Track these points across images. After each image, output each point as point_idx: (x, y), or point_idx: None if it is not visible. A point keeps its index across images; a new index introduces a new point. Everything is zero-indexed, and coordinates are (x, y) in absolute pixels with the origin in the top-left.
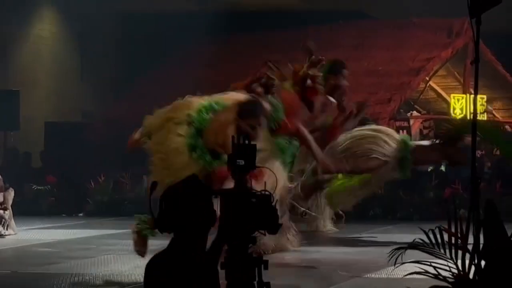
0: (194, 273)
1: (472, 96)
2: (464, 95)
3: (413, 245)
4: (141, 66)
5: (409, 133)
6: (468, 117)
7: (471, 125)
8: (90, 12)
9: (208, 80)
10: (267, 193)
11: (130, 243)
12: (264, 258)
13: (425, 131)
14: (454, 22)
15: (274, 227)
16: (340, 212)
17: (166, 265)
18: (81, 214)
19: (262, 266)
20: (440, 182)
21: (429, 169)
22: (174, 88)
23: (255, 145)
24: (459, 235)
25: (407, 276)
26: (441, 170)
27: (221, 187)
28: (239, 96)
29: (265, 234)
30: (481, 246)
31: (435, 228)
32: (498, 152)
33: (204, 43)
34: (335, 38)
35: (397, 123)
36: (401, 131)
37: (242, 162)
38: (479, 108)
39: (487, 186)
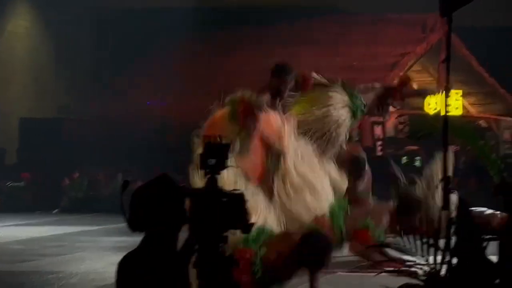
0: (165, 272)
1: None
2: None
3: (385, 243)
4: (118, 62)
5: (384, 128)
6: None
7: (443, 121)
8: (65, 7)
9: (187, 75)
10: (238, 192)
11: (104, 240)
12: None
13: (400, 127)
14: (428, 17)
15: (246, 227)
16: None
17: (138, 264)
18: (55, 211)
19: (233, 265)
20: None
21: (403, 162)
22: (152, 85)
23: (228, 144)
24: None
25: (380, 274)
26: (415, 165)
27: None
28: None
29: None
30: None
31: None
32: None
33: (183, 39)
34: (310, 34)
35: (372, 119)
36: (375, 126)
37: (213, 161)
38: (455, 104)
39: (462, 182)
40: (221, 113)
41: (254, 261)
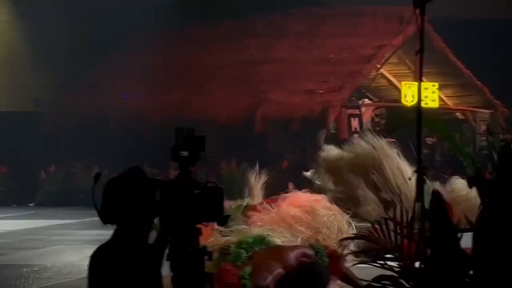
0: (137, 264)
1: (424, 83)
2: (415, 83)
3: (360, 235)
4: (94, 56)
5: (360, 120)
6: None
7: (416, 113)
8: (41, 1)
9: (163, 68)
10: (213, 184)
11: (80, 233)
12: None
13: (376, 119)
14: (405, 10)
15: (222, 219)
16: None
17: (110, 256)
18: (32, 204)
19: (206, 257)
20: None
21: None
22: (128, 78)
23: (203, 137)
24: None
25: (355, 266)
26: None
27: None
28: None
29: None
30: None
31: (382, 218)
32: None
33: (158, 33)
34: (286, 26)
35: (349, 111)
36: (352, 118)
37: (185, 153)
38: (431, 96)
39: (438, 173)
40: None
41: (242, 276)
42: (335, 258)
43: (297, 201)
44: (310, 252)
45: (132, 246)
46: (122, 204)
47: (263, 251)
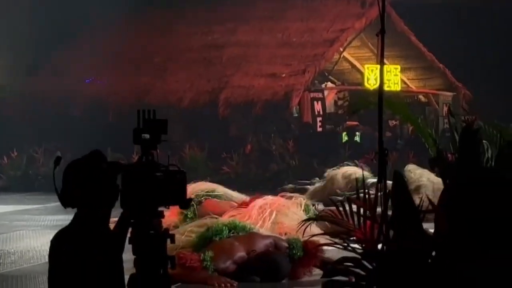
0: (98, 247)
1: (386, 66)
2: (378, 66)
3: (321, 216)
4: (56, 40)
5: (323, 104)
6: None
7: (378, 96)
8: None
9: (123, 52)
10: (175, 168)
11: (43, 219)
12: None
13: (339, 102)
14: None
15: (183, 202)
16: None
17: (70, 240)
18: None
19: (168, 240)
20: (354, 153)
21: (343, 140)
22: (90, 62)
23: (165, 120)
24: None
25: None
26: (356, 140)
27: None
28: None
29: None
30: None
31: (344, 198)
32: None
33: (121, 17)
34: (249, 10)
35: (312, 95)
36: (315, 102)
37: (147, 136)
38: (394, 79)
39: (400, 156)
40: None
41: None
42: (311, 253)
43: (267, 203)
44: (283, 243)
45: (92, 229)
46: (82, 188)
47: (240, 236)
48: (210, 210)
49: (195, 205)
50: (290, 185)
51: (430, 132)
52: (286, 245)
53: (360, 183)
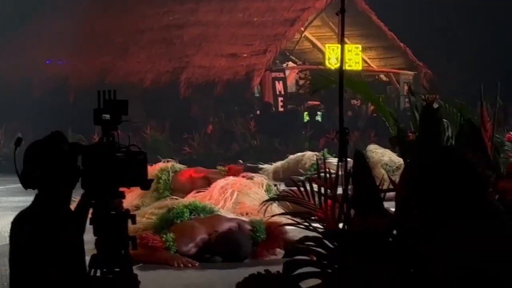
0: (59, 228)
1: (347, 45)
2: (339, 45)
3: (282, 196)
4: (16, 21)
5: (285, 83)
6: (344, 68)
7: (339, 75)
8: None
9: (83, 33)
10: (136, 148)
11: (4, 200)
12: None
13: (301, 82)
14: None
15: (144, 183)
16: None
17: (31, 221)
18: None
19: (129, 220)
20: (315, 132)
21: (305, 120)
22: (50, 42)
23: (126, 101)
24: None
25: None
26: (317, 120)
27: None
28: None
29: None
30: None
31: (305, 178)
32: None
33: None
34: None
35: (273, 74)
36: (276, 82)
37: (107, 116)
38: (355, 58)
39: (362, 135)
40: None
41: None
42: (274, 235)
43: (229, 183)
44: (246, 225)
45: (53, 211)
46: (42, 169)
47: (204, 218)
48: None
49: (168, 175)
50: (240, 161)
51: (391, 111)
52: (250, 227)
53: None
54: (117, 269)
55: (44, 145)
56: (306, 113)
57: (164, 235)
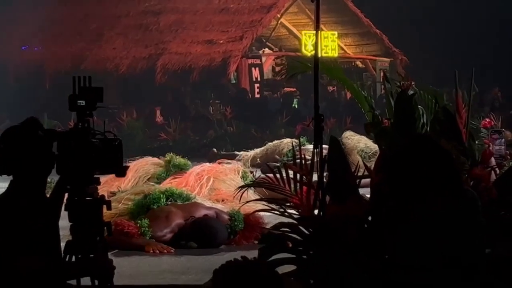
0: (34, 215)
1: (324, 32)
2: (315, 32)
3: (258, 183)
4: None
5: (261, 70)
6: (320, 54)
7: (314, 62)
8: None
9: (59, 19)
10: (111, 135)
11: None
12: None
13: (277, 68)
14: None
15: (119, 170)
16: None
17: (6, 207)
18: None
19: (105, 206)
20: (291, 119)
21: (281, 106)
22: (25, 29)
23: (101, 88)
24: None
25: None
26: (294, 106)
27: None
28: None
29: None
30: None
31: (280, 164)
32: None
33: None
34: None
35: (250, 61)
36: (253, 68)
37: (83, 102)
38: (331, 45)
39: (338, 122)
40: None
41: (141, 225)
42: (252, 225)
43: (204, 170)
44: (224, 215)
45: (28, 197)
46: (18, 155)
47: (181, 204)
48: None
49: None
50: (214, 149)
51: (366, 97)
52: (228, 217)
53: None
54: (92, 255)
55: (19, 131)
56: (282, 99)
57: (139, 221)
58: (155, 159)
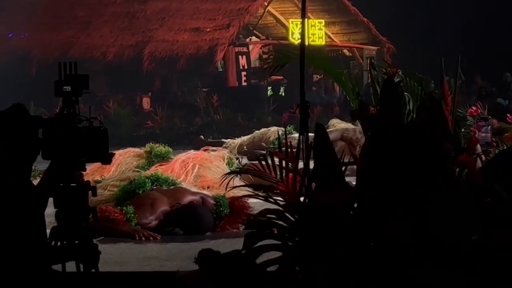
0: (19, 201)
1: (311, 20)
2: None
3: (244, 169)
4: None
5: (248, 58)
6: (307, 42)
7: (300, 50)
8: None
9: (46, 6)
10: (97, 121)
11: None
12: None
13: (264, 56)
14: None
15: (105, 157)
16: None
17: None
18: None
19: (90, 192)
20: (278, 107)
21: (268, 94)
22: (12, 16)
23: (87, 75)
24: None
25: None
26: (281, 94)
27: None
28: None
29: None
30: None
31: (266, 152)
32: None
33: None
34: None
35: (237, 49)
36: (240, 56)
37: (68, 88)
38: (318, 33)
39: (326, 110)
40: None
41: (126, 212)
42: (237, 210)
43: (190, 157)
44: (210, 200)
45: (13, 183)
46: (2, 140)
47: (167, 189)
48: None
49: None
50: (201, 136)
51: (352, 85)
52: (213, 202)
53: (283, 137)
54: (78, 241)
55: (5, 117)
56: (269, 87)
57: (124, 208)
58: (138, 150)
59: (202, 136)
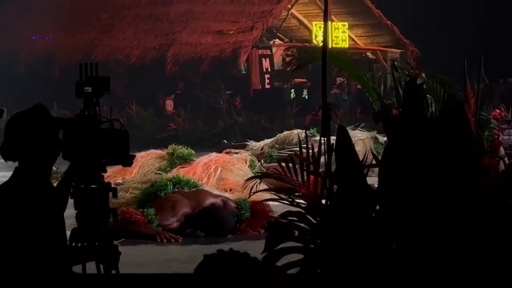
0: (39, 202)
1: (334, 23)
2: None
3: (266, 174)
4: None
5: (271, 61)
6: (330, 45)
7: (322, 52)
8: None
9: (70, 9)
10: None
11: None
12: None
13: (287, 59)
14: None
15: (125, 159)
16: None
17: (10, 195)
18: None
19: (111, 193)
20: (301, 110)
21: (291, 97)
22: (36, 18)
23: (108, 78)
24: (311, 160)
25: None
26: (304, 97)
27: None
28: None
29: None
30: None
31: (288, 155)
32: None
33: None
34: None
35: (260, 52)
36: (263, 59)
37: (89, 89)
38: (342, 36)
39: (347, 112)
40: None
41: (147, 214)
42: (259, 214)
43: (212, 159)
44: (231, 203)
45: (33, 183)
46: (23, 140)
47: (188, 192)
48: None
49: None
50: (225, 141)
51: (375, 87)
52: (235, 205)
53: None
54: (98, 243)
55: (26, 117)
56: (292, 90)
57: (146, 210)
58: (160, 152)
59: (225, 141)
